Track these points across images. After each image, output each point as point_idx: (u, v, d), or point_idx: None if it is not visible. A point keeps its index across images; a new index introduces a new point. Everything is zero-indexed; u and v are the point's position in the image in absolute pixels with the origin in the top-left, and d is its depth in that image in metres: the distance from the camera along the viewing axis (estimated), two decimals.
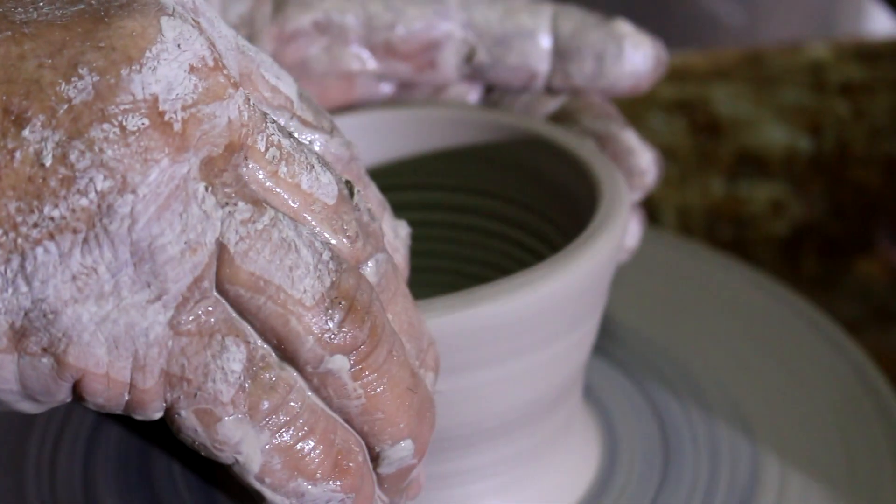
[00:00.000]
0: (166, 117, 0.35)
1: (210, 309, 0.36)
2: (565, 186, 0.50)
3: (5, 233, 0.35)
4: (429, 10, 0.51)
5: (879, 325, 0.70)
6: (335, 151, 0.41)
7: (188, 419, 0.36)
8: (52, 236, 0.35)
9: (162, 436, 0.51)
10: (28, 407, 0.37)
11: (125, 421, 0.51)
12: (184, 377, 0.36)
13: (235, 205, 0.36)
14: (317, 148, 0.41)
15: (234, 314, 0.36)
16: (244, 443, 0.36)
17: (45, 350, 0.35)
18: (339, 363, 0.37)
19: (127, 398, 0.36)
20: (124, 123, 0.35)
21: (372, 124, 0.51)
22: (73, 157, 0.35)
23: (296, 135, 0.40)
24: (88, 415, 0.52)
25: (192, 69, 0.36)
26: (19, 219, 0.34)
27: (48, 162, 0.34)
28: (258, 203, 0.36)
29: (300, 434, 0.37)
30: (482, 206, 0.53)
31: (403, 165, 0.53)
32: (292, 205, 0.37)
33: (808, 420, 0.53)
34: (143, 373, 0.36)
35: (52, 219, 0.35)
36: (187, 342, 0.36)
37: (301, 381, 0.37)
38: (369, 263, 0.39)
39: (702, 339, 0.57)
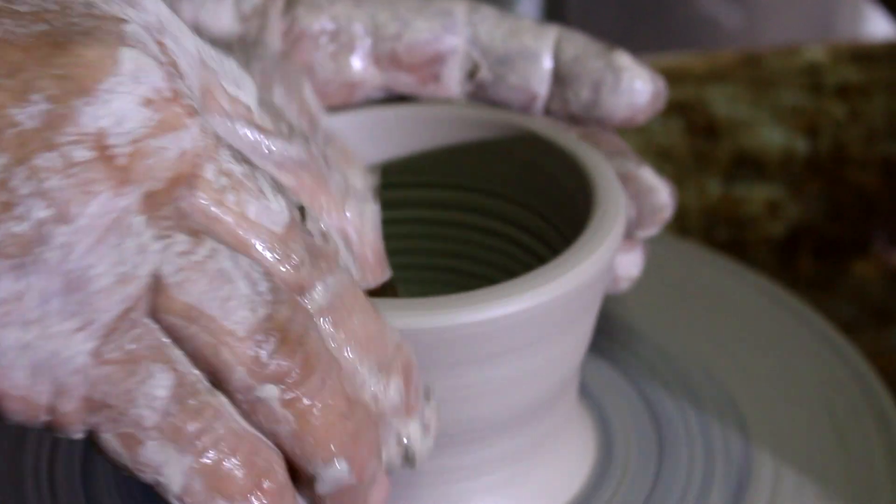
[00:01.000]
0: (112, 151, 0.36)
1: (138, 337, 0.36)
2: (562, 185, 0.50)
3: None
4: (436, 23, 0.51)
5: (875, 325, 0.70)
6: (294, 156, 0.42)
7: (110, 442, 0.37)
8: None
9: None
10: None
11: None
12: (106, 403, 0.36)
13: (173, 237, 0.36)
14: (275, 152, 0.41)
15: (166, 341, 0.37)
16: (166, 465, 0.37)
17: None
18: (269, 392, 0.38)
19: (46, 419, 0.37)
20: (70, 154, 0.35)
21: (371, 122, 0.51)
22: (14, 182, 0.35)
23: (254, 138, 0.41)
24: None
25: (146, 102, 0.36)
26: None
27: None
28: (197, 234, 0.37)
29: (223, 457, 0.37)
30: (480, 203, 0.53)
31: (403, 163, 0.53)
32: (237, 233, 0.38)
33: (803, 418, 0.53)
34: (64, 398, 0.36)
35: None
36: (111, 370, 0.36)
37: (229, 407, 0.38)
38: (318, 287, 0.39)
39: (697, 339, 0.57)
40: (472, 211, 0.53)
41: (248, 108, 0.41)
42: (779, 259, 0.75)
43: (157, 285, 0.36)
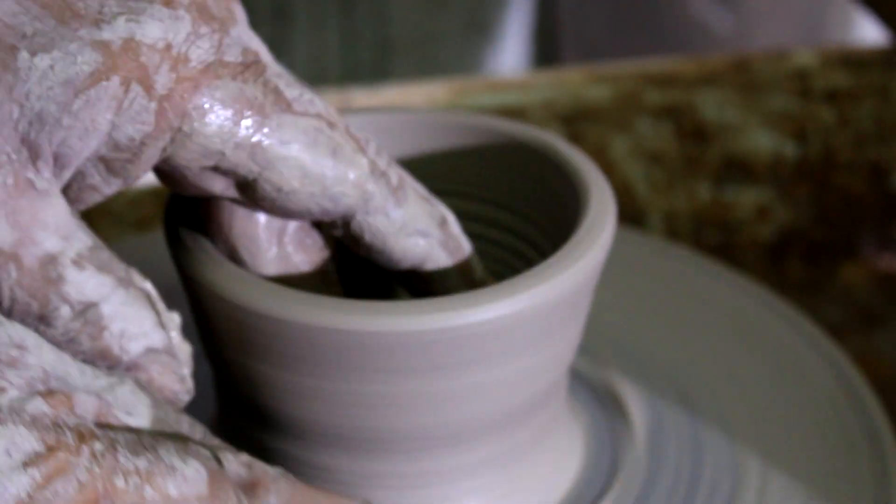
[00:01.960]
0: None
1: None
2: (554, 191, 0.50)
3: None
4: None
5: (863, 329, 0.70)
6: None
7: None
8: None
9: None
10: None
11: None
12: None
13: None
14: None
15: None
16: None
17: None
18: None
19: None
20: None
21: (365, 127, 0.52)
22: None
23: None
24: None
25: (26, 465, 0.37)
26: None
27: None
28: None
29: None
30: (472, 209, 0.53)
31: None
32: None
33: (790, 422, 0.53)
34: None
35: None
36: None
37: None
38: None
39: (686, 342, 0.57)
40: (464, 216, 0.53)
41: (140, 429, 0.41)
42: (767, 263, 0.75)
43: None
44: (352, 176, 0.46)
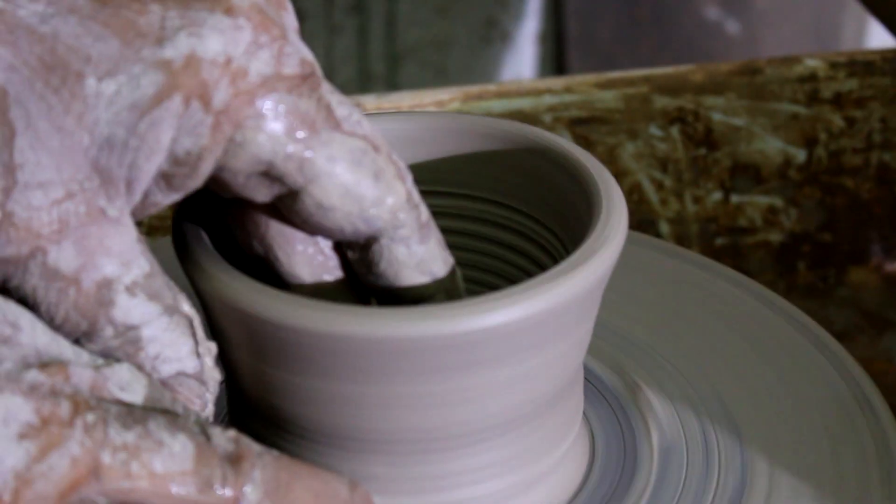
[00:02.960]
0: None
1: None
2: (566, 196, 0.51)
3: None
4: None
5: (871, 333, 0.70)
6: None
7: None
8: None
9: None
10: None
11: None
12: None
13: None
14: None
15: None
16: None
17: None
18: None
19: None
20: None
21: (381, 130, 0.52)
22: None
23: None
24: None
25: (21, 437, 0.38)
26: None
27: None
28: None
29: None
30: (485, 212, 0.54)
31: (411, 171, 0.54)
32: (155, 490, 0.40)
33: (798, 424, 0.53)
34: None
35: None
36: None
37: None
38: (247, 488, 0.41)
39: (694, 345, 0.57)
40: (477, 220, 0.54)
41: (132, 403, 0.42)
42: (776, 267, 0.75)
43: None
44: (389, 201, 0.46)
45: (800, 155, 0.78)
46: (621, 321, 0.58)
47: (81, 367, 0.41)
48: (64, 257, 0.42)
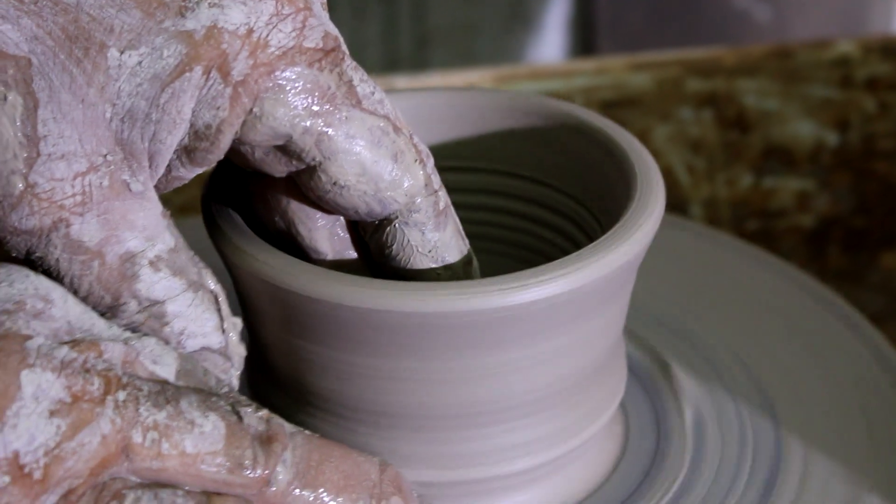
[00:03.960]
0: (27, 469, 0.38)
1: None
2: (603, 173, 0.51)
3: None
4: None
5: None
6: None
7: None
8: None
9: None
10: None
11: None
12: None
13: None
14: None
15: None
16: None
17: None
18: None
19: None
20: None
21: (421, 106, 0.52)
22: None
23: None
24: None
25: (51, 413, 0.38)
26: None
27: None
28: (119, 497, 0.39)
29: None
30: (521, 189, 0.54)
31: (449, 147, 0.54)
32: (185, 470, 0.40)
33: (832, 405, 0.53)
34: None
35: None
36: None
37: None
38: (278, 470, 0.41)
39: (728, 327, 0.57)
40: (513, 196, 0.54)
41: (166, 381, 0.42)
42: (808, 251, 0.75)
43: None
44: (406, 184, 0.46)
45: (832, 139, 0.77)
46: (652, 303, 0.58)
47: (113, 342, 0.41)
48: (87, 230, 0.42)
